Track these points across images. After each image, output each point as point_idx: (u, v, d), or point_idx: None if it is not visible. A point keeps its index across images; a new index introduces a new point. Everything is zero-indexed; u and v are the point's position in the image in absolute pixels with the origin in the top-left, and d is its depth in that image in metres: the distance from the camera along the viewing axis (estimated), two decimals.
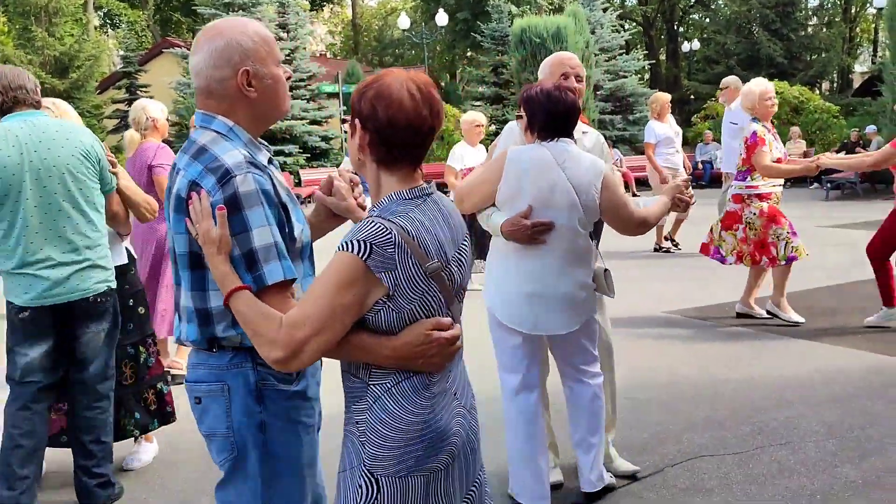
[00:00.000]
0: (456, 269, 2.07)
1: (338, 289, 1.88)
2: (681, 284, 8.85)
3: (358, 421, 2.01)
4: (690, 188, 3.56)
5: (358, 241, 1.89)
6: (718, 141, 16.40)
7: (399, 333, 1.96)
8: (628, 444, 4.45)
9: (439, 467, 2.02)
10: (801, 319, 6.92)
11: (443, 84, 42.73)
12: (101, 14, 47.38)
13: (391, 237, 1.90)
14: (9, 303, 3.72)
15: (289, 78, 2.25)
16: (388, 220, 1.93)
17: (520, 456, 3.73)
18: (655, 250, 11.15)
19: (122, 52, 36.74)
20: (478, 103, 27.20)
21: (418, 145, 2.02)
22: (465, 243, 2.14)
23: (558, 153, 3.51)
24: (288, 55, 25.94)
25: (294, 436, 2.25)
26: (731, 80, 10.60)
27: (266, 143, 2.33)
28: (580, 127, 3.90)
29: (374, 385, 2.00)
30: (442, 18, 32.05)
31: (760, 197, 6.76)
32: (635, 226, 3.60)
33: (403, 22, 32.25)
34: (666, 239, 11.28)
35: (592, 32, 24.85)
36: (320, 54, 47.99)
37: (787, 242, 6.68)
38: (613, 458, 4.18)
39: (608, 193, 3.50)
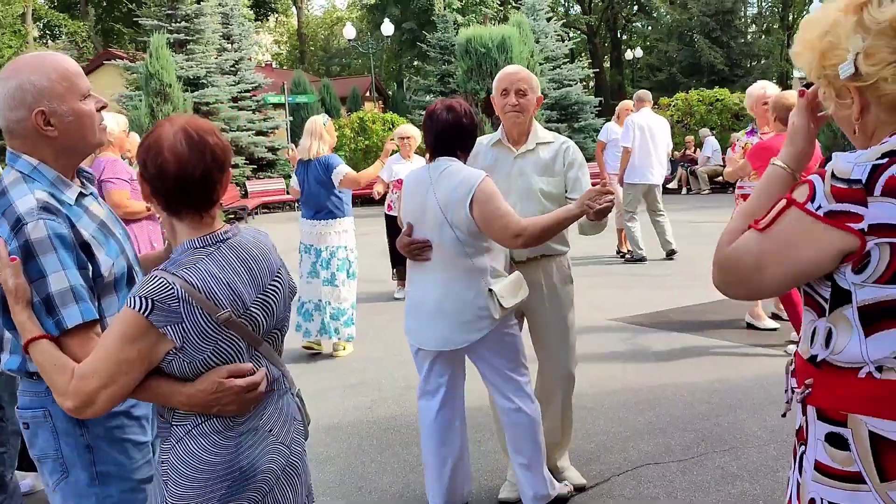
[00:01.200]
0: (260, 312, 2.08)
1: (122, 344, 1.92)
2: (624, 292, 8.97)
3: (163, 460, 2.05)
4: (610, 195, 3.32)
5: (140, 297, 1.92)
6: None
7: (194, 381, 1.99)
8: (575, 455, 4.48)
9: None
10: (776, 325, 6.96)
11: (390, 93, 42.72)
12: (41, 25, 46.51)
13: (174, 292, 1.92)
14: None
15: (102, 107, 2.28)
16: (173, 273, 1.95)
17: (424, 456, 3.86)
18: (619, 254, 11.35)
19: None
20: (424, 112, 27.21)
21: (196, 194, 2.03)
22: (275, 282, 2.15)
23: (435, 173, 3.60)
24: (233, 66, 25.74)
25: (124, 454, 2.31)
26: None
27: (87, 174, 2.37)
28: (543, 136, 3.94)
29: (176, 425, 2.04)
30: (388, 28, 32.12)
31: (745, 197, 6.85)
32: (510, 237, 3.46)
33: (349, 32, 32.22)
34: (619, 253, 11.46)
35: (537, 42, 25.04)
36: (266, 64, 47.66)
37: None
38: (563, 470, 4.21)
39: (480, 206, 3.46)
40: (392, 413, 5.49)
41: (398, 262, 8.82)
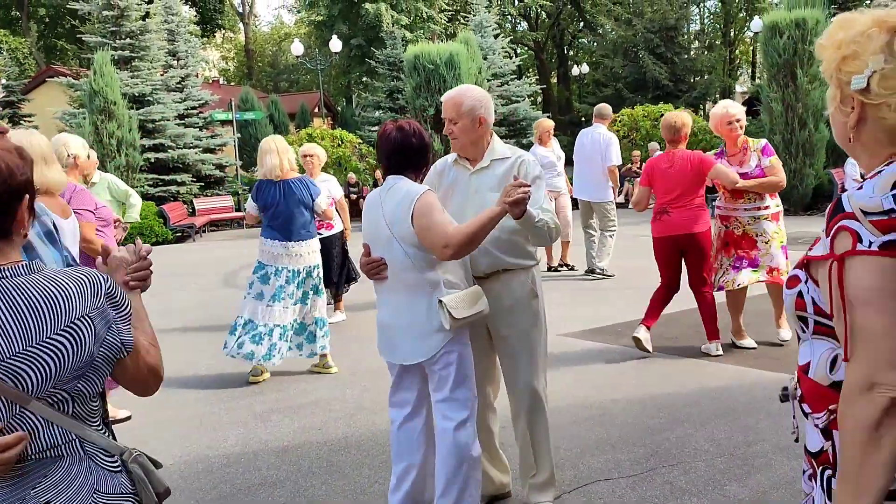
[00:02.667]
0: (28, 366, 1.82)
1: None
2: (572, 306, 9.03)
3: None
4: (525, 187, 3.37)
5: None
6: None
7: None
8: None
9: None
10: (753, 345, 6.91)
11: (339, 109, 42.62)
12: None
13: None
14: None
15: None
16: None
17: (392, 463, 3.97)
18: (549, 269, 11.42)
19: (3, 81, 35.39)
20: (374, 128, 27.22)
21: None
22: (54, 338, 1.84)
23: (384, 191, 3.72)
24: (179, 83, 25.48)
25: None
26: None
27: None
28: (500, 152, 3.95)
29: None
30: (336, 45, 32.08)
31: (721, 219, 6.90)
32: (440, 248, 3.49)
33: (297, 48, 32.09)
34: (560, 266, 11.56)
35: (485, 58, 25.19)
36: (213, 81, 47.26)
37: (724, 272, 6.82)
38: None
39: (418, 220, 3.54)
40: (342, 434, 5.44)
41: (329, 283, 8.71)
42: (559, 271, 11.48)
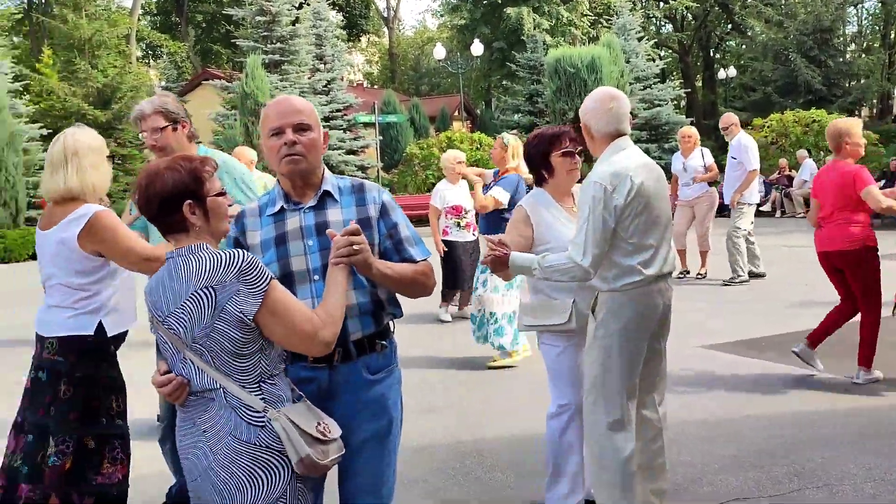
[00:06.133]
0: (175, 320, 2.43)
1: None
2: (715, 317, 8.77)
3: None
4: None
5: None
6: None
7: None
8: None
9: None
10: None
11: (479, 112, 42.89)
12: (143, 46, 48.33)
13: None
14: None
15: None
16: None
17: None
18: (684, 275, 11.24)
19: (163, 84, 37.44)
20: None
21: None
22: (186, 301, 2.40)
23: None
24: (325, 86, 26.26)
25: None
26: (730, 116, 11.31)
27: None
28: None
29: None
30: (477, 48, 32.29)
31: None
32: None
33: (439, 52, 32.48)
34: (684, 273, 11.33)
35: (627, 62, 24.85)
36: (357, 84, 48.45)
37: None
38: None
39: None
40: (474, 437, 5.47)
41: (447, 284, 8.87)
42: (684, 277, 11.23)
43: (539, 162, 4.15)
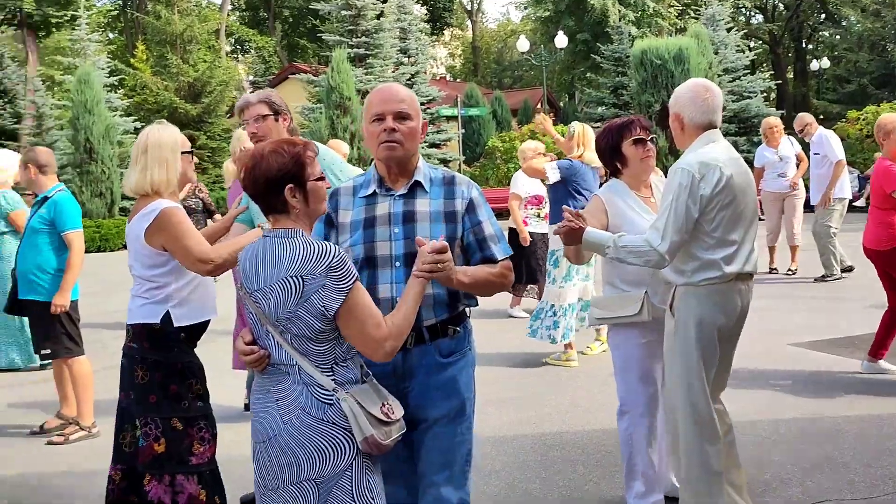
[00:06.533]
0: (262, 297, 2.58)
1: None
2: (807, 315, 8.53)
3: None
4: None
5: None
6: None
7: None
8: (749, 485, 4.29)
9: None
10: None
11: (562, 105, 42.59)
12: (232, 41, 49.40)
13: None
14: None
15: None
16: None
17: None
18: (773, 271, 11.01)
19: (251, 78, 38.20)
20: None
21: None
22: (275, 284, 2.56)
23: None
24: (409, 79, 26.43)
25: None
26: (804, 117, 11.03)
27: None
28: None
29: None
30: (561, 40, 32.03)
31: None
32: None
33: (523, 45, 32.33)
34: (773, 270, 11.08)
35: (716, 53, 24.34)
36: (440, 78, 48.61)
37: None
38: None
39: None
40: (557, 430, 5.44)
41: (520, 278, 8.71)
42: (776, 273, 10.98)
43: (611, 154, 4.07)
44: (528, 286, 9.03)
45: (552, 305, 6.86)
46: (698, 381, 3.62)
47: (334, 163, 4.10)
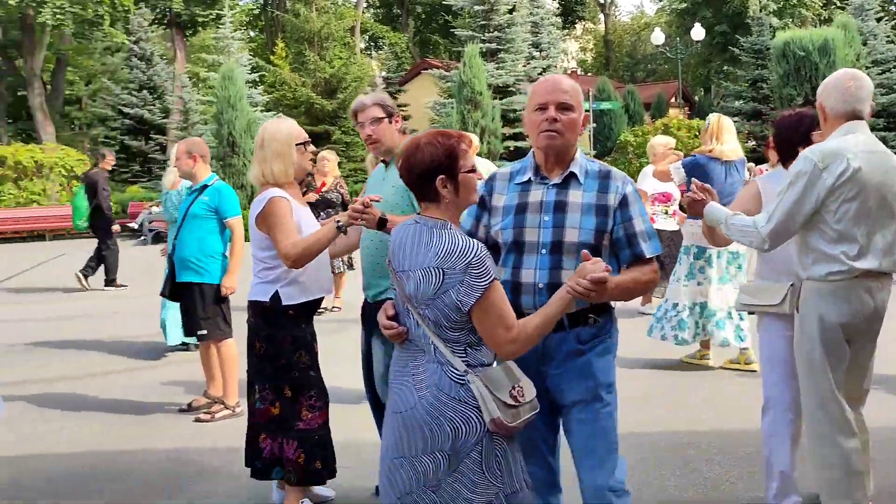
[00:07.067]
0: (405, 278, 2.70)
1: None
2: None
3: None
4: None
5: None
6: None
7: None
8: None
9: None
10: None
11: (697, 98, 41.54)
12: (366, 37, 50.40)
13: None
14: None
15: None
16: None
17: None
18: None
19: (383, 74, 38.91)
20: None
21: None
22: (418, 270, 2.68)
23: None
24: (540, 73, 26.33)
25: None
26: None
27: None
28: None
29: None
30: (698, 33, 31.24)
31: None
32: None
33: (657, 37, 31.69)
34: None
35: (864, 44, 23.22)
36: (571, 72, 48.24)
37: None
38: None
39: None
40: (691, 428, 5.34)
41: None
42: None
43: (800, 140, 3.88)
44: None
45: (675, 304, 6.72)
46: (824, 380, 3.48)
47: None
